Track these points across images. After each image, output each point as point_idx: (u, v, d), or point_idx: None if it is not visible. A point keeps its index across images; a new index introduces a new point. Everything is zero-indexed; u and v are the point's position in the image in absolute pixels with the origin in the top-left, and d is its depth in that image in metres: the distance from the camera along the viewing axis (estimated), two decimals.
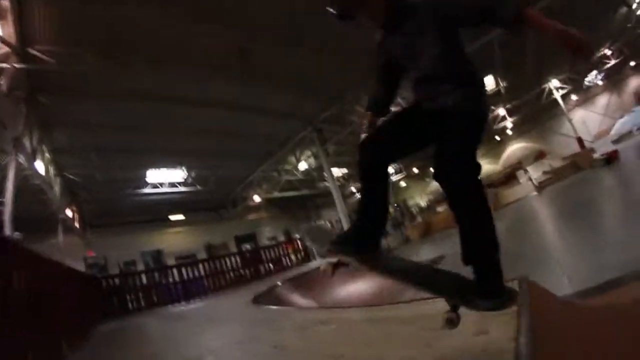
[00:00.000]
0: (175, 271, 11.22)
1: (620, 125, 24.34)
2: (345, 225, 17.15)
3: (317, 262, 13.02)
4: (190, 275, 11.32)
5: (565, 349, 1.84)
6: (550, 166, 27.30)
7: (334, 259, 2.06)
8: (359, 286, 6.84)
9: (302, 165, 23.97)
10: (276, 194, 25.67)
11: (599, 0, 16.72)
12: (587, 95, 30.41)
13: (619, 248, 4.59)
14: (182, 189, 20.58)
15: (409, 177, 36.40)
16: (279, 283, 8.94)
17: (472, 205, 1.84)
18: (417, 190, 40.11)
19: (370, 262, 1.98)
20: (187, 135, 15.56)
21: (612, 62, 25.68)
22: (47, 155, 13.37)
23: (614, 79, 29.08)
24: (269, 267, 14.35)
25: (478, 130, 1.95)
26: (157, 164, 18.45)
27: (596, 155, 20.47)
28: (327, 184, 27.64)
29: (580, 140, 26.70)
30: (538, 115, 30.81)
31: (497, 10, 1.73)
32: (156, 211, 22.93)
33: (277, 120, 16.75)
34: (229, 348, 3.52)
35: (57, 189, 14.68)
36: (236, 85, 13.15)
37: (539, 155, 32.46)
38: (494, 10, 1.74)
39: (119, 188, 18.95)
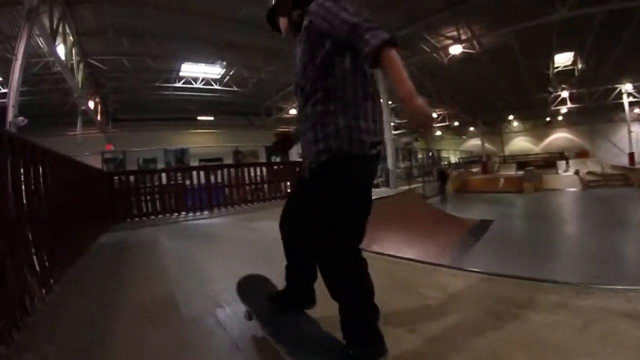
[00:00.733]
0: (197, 173, 9.25)
1: None
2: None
3: None
4: (213, 180, 9.45)
5: None
6: (601, 168, 25.50)
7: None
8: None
9: None
10: None
11: None
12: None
13: None
14: (216, 87, 18.65)
15: (447, 128, 34.48)
16: None
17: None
18: (451, 144, 38.56)
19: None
20: (233, 24, 12.95)
21: None
22: (70, 37, 11.98)
23: None
24: None
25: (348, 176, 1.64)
26: (195, 57, 15.94)
27: None
28: None
29: (632, 156, 24.93)
30: (596, 113, 28.44)
31: (361, 41, 1.46)
32: (184, 110, 21.48)
33: None
34: None
35: (79, 76, 13.43)
36: None
37: (581, 153, 30.65)
38: (359, 38, 1.46)
39: (149, 79, 17.18)
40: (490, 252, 8.17)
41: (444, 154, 34.09)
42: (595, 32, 14.27)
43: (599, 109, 26.70)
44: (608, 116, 28.96)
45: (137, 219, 8.08)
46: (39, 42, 10.80)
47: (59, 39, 10.89)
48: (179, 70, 16.83)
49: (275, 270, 2.22)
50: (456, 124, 32.70)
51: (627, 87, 23.70)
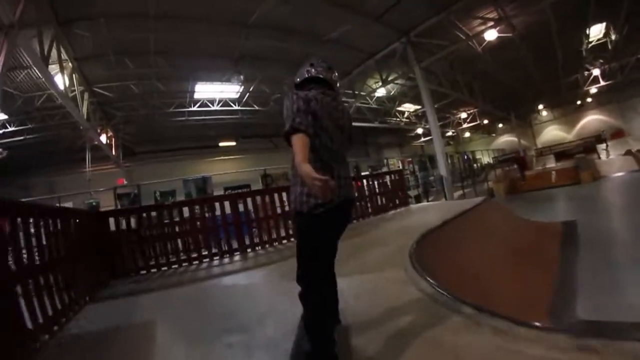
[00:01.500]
0: (218, 205, 6.83)
1: None
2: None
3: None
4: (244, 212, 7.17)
5: None
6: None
7: None
8: None
9: (381, 91, 19.32)
10: None
11: None
12: None
13: None
14: (235, 107, 16.79)
15: (476, 128, 32.93)
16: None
17: None
18: (481, 144, 36.87)
19: None
20: (246, 30, 11.27)
21: None
22: (69, 63, 10.57)
23: None
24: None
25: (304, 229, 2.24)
26: (208, 74, 14.05)
27: None
28: (399, 119, 24.69)
29: None
30: (624, 89, 26.28)
31: (285, 125, 2.04)
32: (204, 137, 20.00)
33: (366, 25, 12.17)
34: None
35: (84, 107, 12.00)
36: None
37: (616, 134, 28.41)
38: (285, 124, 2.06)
39: (161, 105, 15.59)
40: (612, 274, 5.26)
41: (477, 155, 32.52)
42: None
43: (629, 83, 24.55)
44: (637, 89, 26.69)
45: (143, 273, 5.97)
46: (37, 72, 9.52)
47: (56, 67, 9.49)
48: (193, 92, 15.25)
49: None
50: (485, 122, 30.76)
51: None
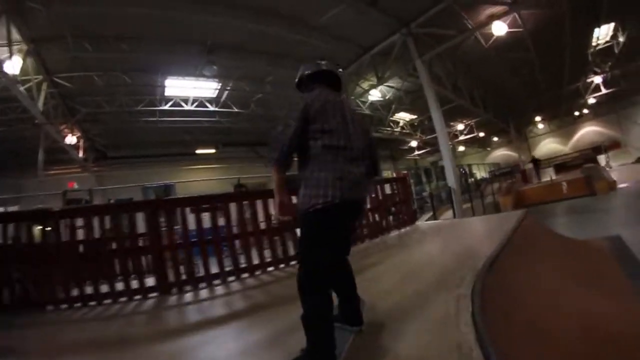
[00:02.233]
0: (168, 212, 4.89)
1: None
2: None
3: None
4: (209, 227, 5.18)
5: None
6: None
7: None
8: None
9: (375, 94, 17.58)
10: None
11: None
12: None
13: None
14: (211, 108, 14.92)
15: (471, 141, 31.93)
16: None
17: None
18: (476, 158, 35.55)
19: None
20: (220, 9, 9.57)
21: None
22: (24, 45, 8.93)
23: None
24: None
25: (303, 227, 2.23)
26: (178, 67, 12.13)
27: None
28: (393, 129, 22.99)
29: None
30: (621, 98, 25.79)
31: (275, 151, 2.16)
32: (181, 142, 18.19)
33: (360, 11, 10.50)
34: None
35: (41, 98, 10.33)
36: None
37: (612, 145, 27.82)
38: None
39: (129, 102, 13.74)
40: None
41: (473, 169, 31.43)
42: None
43: (628, 92, 24.05)
44: (633, 99, 26.33)
45: (64, 306, 4.21)
46: None
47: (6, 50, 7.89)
48: (164, 87, 13.45)
49: None
50: (482, 134, 29.78)
51: None
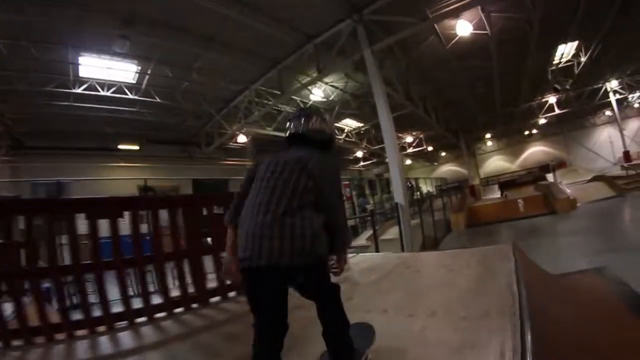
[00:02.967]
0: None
1: None
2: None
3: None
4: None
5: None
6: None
7: None
8: None
9: (317, 94, 15.23)
10: (269, 131, 16.14)
11: None
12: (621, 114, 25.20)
13: None
14: (131, 96, 12.33)
15: (419, 155, 31.21)
16: None
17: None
18: (422, 172, 35.55)
19: None
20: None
21: None
22: None
23: None
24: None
25: None
26: (90, 39, 9.48)
27: None
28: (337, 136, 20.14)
29: (627, 154, 23.15)
30: (568, 121, 27.87)
31: None
32: (101, 135, 15.30)
33: None
34: None
35: None
36: None
37: (560, 164, 28.52)
38: None
39: (39, 80, 10.86)
40: None
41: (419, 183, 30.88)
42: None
43: (572, 114, 25.02)
44: (580, 122, 28.80)
45: None
46: None
47: None
48: (77, 66, 10.70)
49: None
50: (430, 148, 28.80)
51: (613, 84, 21.53)
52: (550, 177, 24.02)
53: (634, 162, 21.63)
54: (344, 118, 18.84)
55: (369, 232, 12.59)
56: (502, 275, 3.09)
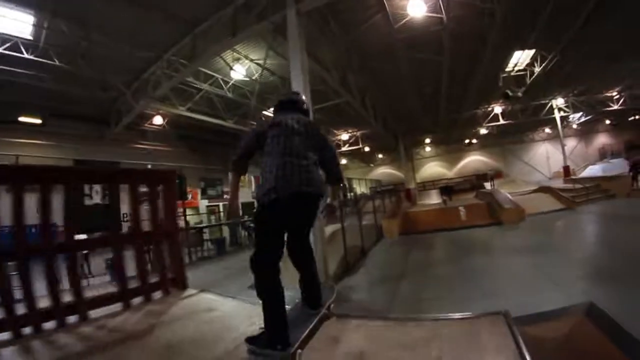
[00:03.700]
0: None
1: (589, 171, 23.84)
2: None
3: None
4: None
5: None
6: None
7: None
8: None
9: (239, 71, 12.71)
10: (182, 111, 13.97)
11: None
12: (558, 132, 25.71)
13: None
14: (27, 56, 9.63)
15: (354, 154, 30.72)
16: None
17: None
18: (357, 173, 34.83)
19: None
20: None
21: (614, 107, 22.19)
22: None
23: (587, 128, 28.87)
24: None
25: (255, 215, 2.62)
26: None
27: None
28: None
29: (567, 169, 23.69)
30: (508, 134, 28.90)
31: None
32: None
33: None
34: None
35: None
36: None
37: (496, 175, 28.95)
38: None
39: None
40: None
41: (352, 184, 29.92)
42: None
43: (513, 127, 25.63)
44: (519, 136, 30.16)
45: None
46: None
47: None
48: None
49: None
50: (367, 149, 27.38)
51: (559, 101, 22.07)
52: (487, 185, 24.42)
53: (572, 177, 21.79)
54: (270, 103, 15.29)
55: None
56: None
